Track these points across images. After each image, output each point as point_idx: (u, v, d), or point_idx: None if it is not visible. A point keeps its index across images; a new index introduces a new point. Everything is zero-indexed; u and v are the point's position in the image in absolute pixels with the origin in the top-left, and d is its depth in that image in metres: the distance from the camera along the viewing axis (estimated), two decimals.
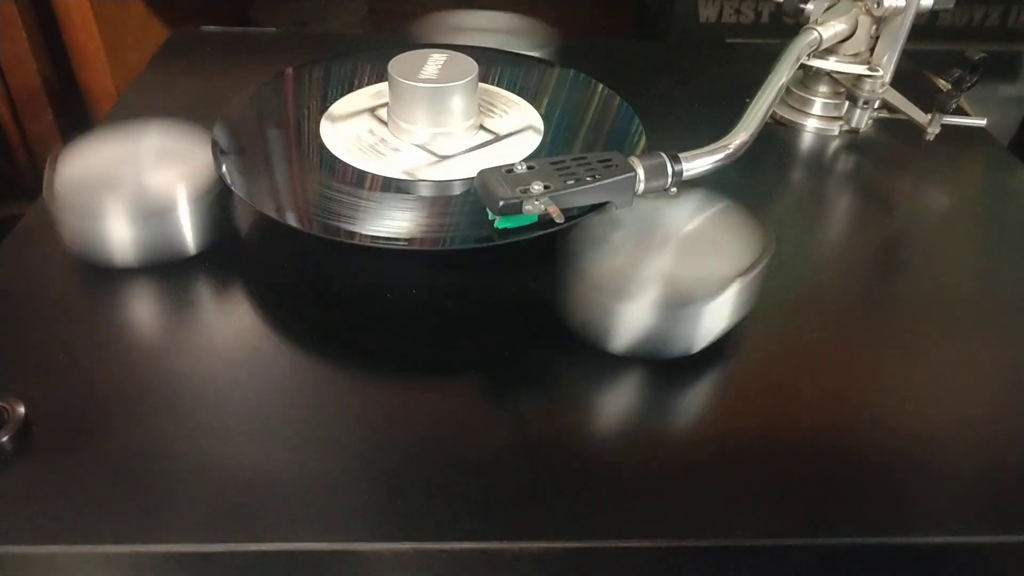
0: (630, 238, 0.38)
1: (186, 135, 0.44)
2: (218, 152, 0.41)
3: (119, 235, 0.39)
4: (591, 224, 0.38)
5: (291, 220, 0.38)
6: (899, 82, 0.53)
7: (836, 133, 0.56)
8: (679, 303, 0.35)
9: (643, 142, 0.44)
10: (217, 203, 0.41)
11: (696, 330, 0.36)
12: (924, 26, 0.52)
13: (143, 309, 0.39)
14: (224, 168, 0.40)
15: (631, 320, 0.35)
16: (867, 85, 0.53)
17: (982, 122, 0.51)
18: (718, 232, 0.39)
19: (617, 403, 0.36)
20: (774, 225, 0.38)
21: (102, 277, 0.40)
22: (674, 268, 0.36)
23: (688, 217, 0.39)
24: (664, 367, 0.37)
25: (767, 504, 0.31)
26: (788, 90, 0.57)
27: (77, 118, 0.79)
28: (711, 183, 0.40)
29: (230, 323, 0.38)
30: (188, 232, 0.40)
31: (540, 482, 0.32)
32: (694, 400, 0.36)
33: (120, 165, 0.41)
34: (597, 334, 0.36)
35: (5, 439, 0.31)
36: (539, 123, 0.47)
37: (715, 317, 0.36)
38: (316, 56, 0.51)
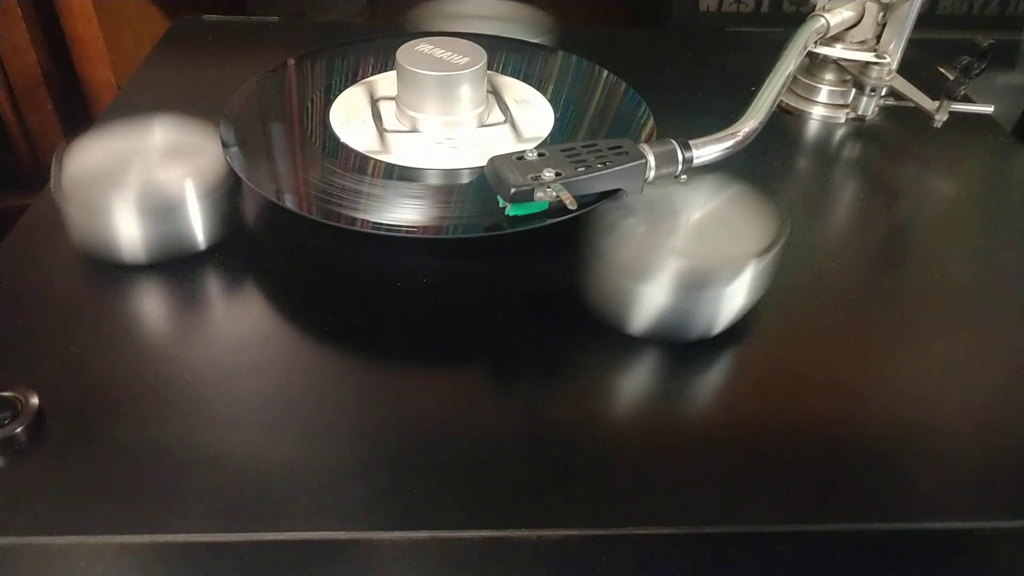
0: (648, 221, 0.38)
1: (192, 129, 0.43)
2: (226, 142, 0.41)
3: (129, 232, 0.38)
4: (609, 208, 0.38)
5: (299, 207, 0.38)
6: (902, 70, 0.53)
7: (842, 121, 0.56)
8: (699, 284, 0.35)
9: (651, 127, 0.44)
10: (227, 198, 0.40)
11: (715, 311, 0.36)
12: (924, 14, 0.52)
13: (154, 300, 0.38)
14: (231, 158, 0.40)
15: (652, 301, 0.35)
16: (874, 72, 0.53)
17: (989, 109, 0.51)
18: (733, 214, 0.39)
19: (630, 391, 0.36)
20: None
21: (113, 268, 0.39)
22: (692, 250, 0.36)
23: (703, 200, 0.39)
24: (676, 355, 0.37)
25: (779, 491, 0.31)
26: (794, 78, 0.56)
27: (77, 109, 0.78)
28: (723, 167, 0.40)
29: (240, 314, 0.38)
30: (198, 227, 0.40)
31: (557, 470, 0.32)
32: (705, 388, 0.36)
33: (127, 160, 0.40)
34: (617, 316, 0.37)
35: (19, 430, 0.30)
36: (548, 110, 0.47)
37: (733, 298, 0.36)
38: (320, 45, 0.51)
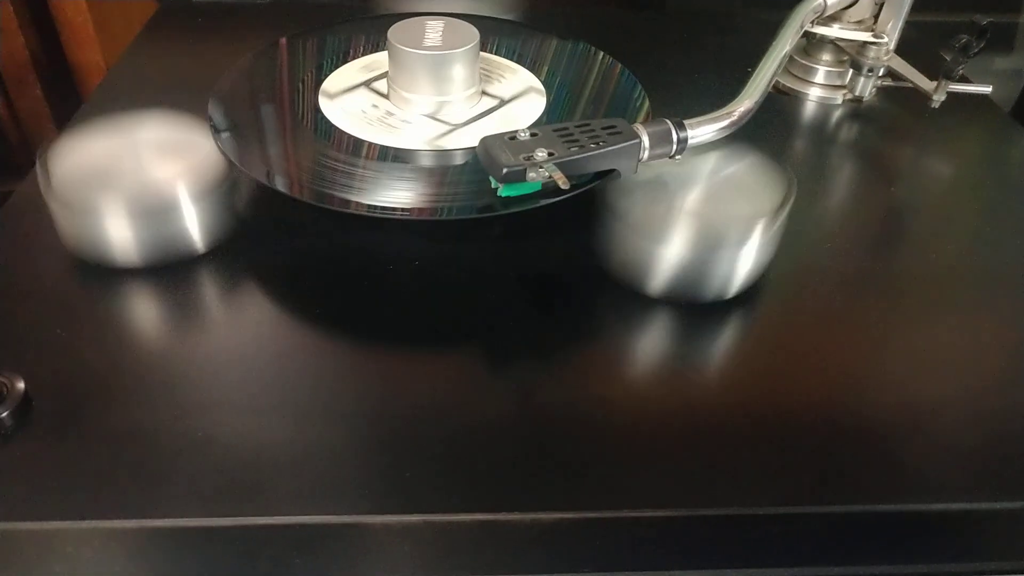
0: (663, 186, 0.39)
1: (185, 124, 0.40)
2: (215, 127, 0.41)
3: (121, 235, 0.36)
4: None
5: (287, 188, 0.38)
6: (900, 51, 0.53)
7: (839, 102, 0.55)
8: (713, 244, 0.36)
9: (647, 108, 0.44)
10: (225, 198, 0.39)
11: (730, 270, 0.37)
12: None
13: (143, 285, 0.38)
14: (222, 143, 0.40)
15: (669, 261, 0.37)
16: (872, 52, 0.52)
17: (987, 89, 0.50)
18: (745, 179, 0.40)
19: (623, 375, 0.35)
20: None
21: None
22: (707, 212, 0.38)
23: (716, 166, 0.41)
24: (668, 340, 0.37)
25: (775, 473, 0.31)
26: (790, 59, 0.56)
27: (66, 92, 0.78)
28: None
29: (231, 298, 0.38)
30: (195, 231, 0.38)
31: (549, 452, 0.31)
32: (698, 372, 0.36)
33: (118, 158, 0.38)
34: (635, 276, 0.38)
35: (5, 415, 0.30)
36: (541, 90, 0.46)
37: (747, 257, 0.37)
38: (309, 26, 0.51)
